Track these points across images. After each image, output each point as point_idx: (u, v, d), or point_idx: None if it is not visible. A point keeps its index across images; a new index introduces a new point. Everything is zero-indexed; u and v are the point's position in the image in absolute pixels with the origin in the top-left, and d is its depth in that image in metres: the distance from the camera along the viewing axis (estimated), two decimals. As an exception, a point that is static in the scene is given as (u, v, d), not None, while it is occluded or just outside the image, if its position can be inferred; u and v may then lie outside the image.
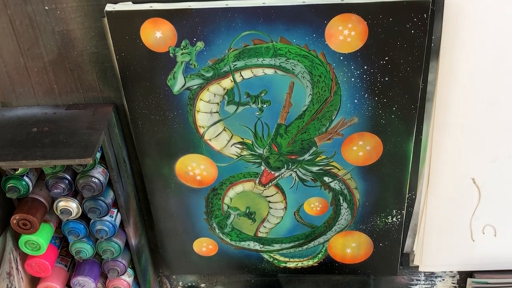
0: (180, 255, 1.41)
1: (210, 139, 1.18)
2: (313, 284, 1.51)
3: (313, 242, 1.35)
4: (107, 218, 1.21)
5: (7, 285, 1.20)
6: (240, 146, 1.18)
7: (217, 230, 1.34)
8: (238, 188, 1.26)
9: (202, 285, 1.54)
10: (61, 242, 1.29)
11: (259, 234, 1.35)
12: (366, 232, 1.32)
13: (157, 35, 1.04)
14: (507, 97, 1.10)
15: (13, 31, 1.08)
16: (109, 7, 1.03)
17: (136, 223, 1.32)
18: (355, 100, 1.10)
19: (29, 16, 1.06)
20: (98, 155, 1.13)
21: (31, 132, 1.11)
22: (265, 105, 1.12)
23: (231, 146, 1.18)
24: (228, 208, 1.30)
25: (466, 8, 1.00)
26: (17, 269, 1.22)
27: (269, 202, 1.28)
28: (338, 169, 1.21)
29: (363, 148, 1.17)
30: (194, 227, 1.34)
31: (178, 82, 1.10)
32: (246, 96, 1.11)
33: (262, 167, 1.21)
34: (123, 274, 1.32)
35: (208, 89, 1.10)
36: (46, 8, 1.06)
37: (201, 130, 1.16)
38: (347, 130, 1.14)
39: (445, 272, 1.45)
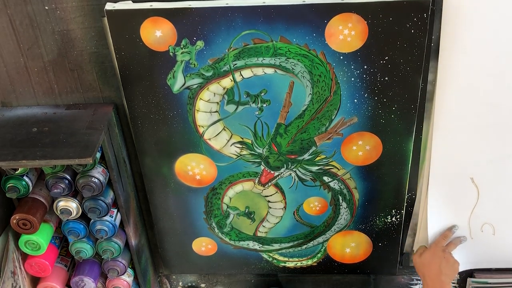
0: (180, 254, 1.41)
1: (209, 139, 1.18)
2: (313, 284, 1.51)
3: (312, 242, 1.35)
4: (107, 218, 1.21)
5: (12, 284, 1.20)
6: (240, 146, 1.18)
7: (216, 230, 1.34)
8: (238, 187, 1.26)
9: (202, 285, 1.54)
10: (61, 242, 1.29)
11: (259, 234, 1.35)
12: (366, 232, 1.32)
13: (157, 34, 1.04)
14: (506, 97, 1.10)
15: (13, 31, 1.08)
16: (109, 6, 1.03)
17: (136, 223, 1.32)
18: (355, 100, 1.10)
19: (29, 16, 1.06)
20: (98, 155, 1.13)
21: (31, 132, 1.10)
22: (265, 105, 1.12)
23: (231, 145, 1.18)
24: (227, 207, 1.30)
25: (466, 8, 1.00)
26: (20, 268, 1.22)
27: (269, 201, 1.28)
28: (338, 168, 1.21)
29: (363, 148, 1.17)
30: (193, 226, 1.34)
31: (178, 81, 1.10)
32: (246, 96, 1.11)
33: (262, 167, 1.21)
34: (123, 274, 1.32)
35: (208, 89, 1.11)
36: (46, 8, 1.06)
37: (201, 130, 1.16)
38: (347, 129, 1.15)
39: (444, 271, 1.45)
